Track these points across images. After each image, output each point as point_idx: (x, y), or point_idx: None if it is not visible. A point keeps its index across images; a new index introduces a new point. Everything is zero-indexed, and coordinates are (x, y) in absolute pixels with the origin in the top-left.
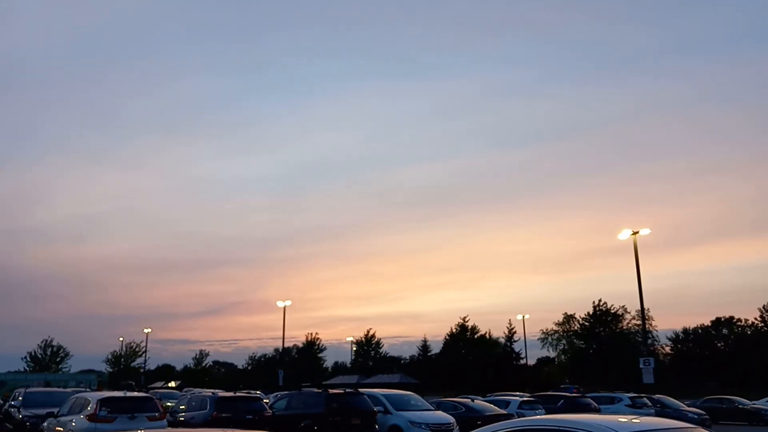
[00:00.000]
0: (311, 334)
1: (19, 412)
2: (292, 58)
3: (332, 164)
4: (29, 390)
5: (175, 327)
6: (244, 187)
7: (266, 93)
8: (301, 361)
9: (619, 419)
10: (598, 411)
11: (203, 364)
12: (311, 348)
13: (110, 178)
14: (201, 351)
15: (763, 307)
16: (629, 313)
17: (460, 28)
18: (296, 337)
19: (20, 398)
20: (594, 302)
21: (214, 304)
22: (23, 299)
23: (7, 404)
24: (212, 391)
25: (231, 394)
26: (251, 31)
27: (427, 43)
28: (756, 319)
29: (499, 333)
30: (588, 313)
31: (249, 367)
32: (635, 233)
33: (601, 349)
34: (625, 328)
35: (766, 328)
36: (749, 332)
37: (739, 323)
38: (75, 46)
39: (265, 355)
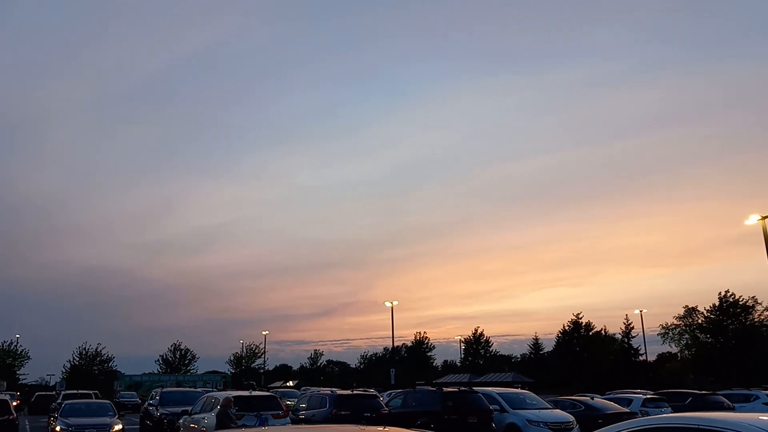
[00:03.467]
0: (419, 333)
1: (157, 410)
2: (388, 64)
3: (432, 164)
4: (165, 390)
5: (291, 328)
6: (348, 192)
7: (364, 100)
8: (410, 360)
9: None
10: (732, 409)
11: (318, 364)
12: (420, 347)
13: (229, 191)
14: (315, 351)
15: None
16: (760, 304)
17: (555, 20)
18: (405, 336)
19: (157, 397)
20: (720, 293)
21: (325, 305)
22: (155, 307)
23: (146, 403)
24: (330, 389)
25: (349, 392)
26: (347, 42)
27: (522, 37)
28: None
29: (614, 329)
30: (713, 305)
31: (361, 366)
32: (764, 218)
33: (729, 344)
34: (756, 320)
35: None
36: None
37: None
38: (188, 69)
39: (376, 354)
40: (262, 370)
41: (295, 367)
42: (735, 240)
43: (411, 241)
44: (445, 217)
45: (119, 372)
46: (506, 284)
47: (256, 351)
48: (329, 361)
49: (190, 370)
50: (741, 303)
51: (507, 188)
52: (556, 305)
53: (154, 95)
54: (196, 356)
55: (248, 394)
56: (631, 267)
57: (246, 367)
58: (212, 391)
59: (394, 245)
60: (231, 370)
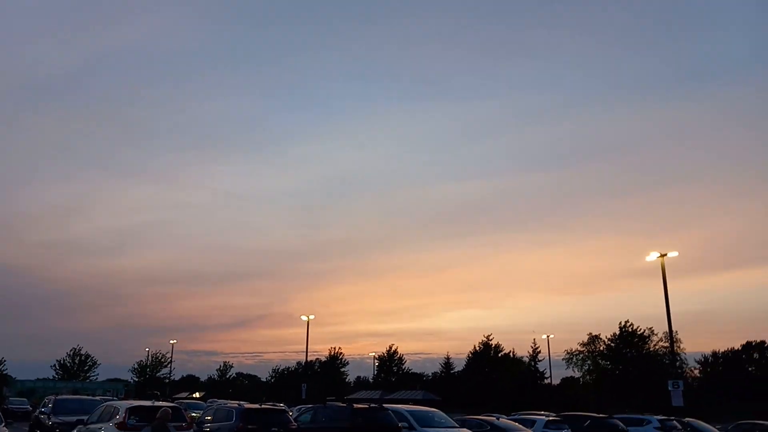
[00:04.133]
0: (334, 348)
1: (49, 418)
2: (320, 79)
3: (359, 181)
4: (59, 397)
5: (202, 338)
6: (271, 202)
7: (296, 111)
8: (323, 375)
9: None
10: None
11: (227, 376)
12: (334, 362)
13: (144, 192)
14: (225, 363)
15: None
16: (656, 335)
17: (487, 51)
18: (319, 351)
19: (50, 405)
20: (620, 323)
21: (239, 316)
22: (57, 310)
23: (37, 411)
24: (238, 402)
25: (256, 406)
26: (280, 53)
27: (455, 65)
28: None
29: (523, 352)
30: (614, 333)
31: (272, 380)
32: (663, 255)
33: (627, 371)
34: (651, 350)
35: None
36: None
37: None
38: (111, 64)
39: (288, 368)
40: (167, 380)
41: (204, 378)
42: (637, 273)
43: (332, 255)
44: (367, 234)
45: (10, 377)
46: (422, 303)
47: (163, 360)
48: (239, 374)
49: (89, 377)
50: (639, 333)
51: (429, 209)
52: (468, 326)
53: (63, 89)
54: (98, 363)
55: (150, 404)
56: (540, 292)
57: (150, 377)
58: (113, 400)
59: (315, 259)
60: (134, 378)
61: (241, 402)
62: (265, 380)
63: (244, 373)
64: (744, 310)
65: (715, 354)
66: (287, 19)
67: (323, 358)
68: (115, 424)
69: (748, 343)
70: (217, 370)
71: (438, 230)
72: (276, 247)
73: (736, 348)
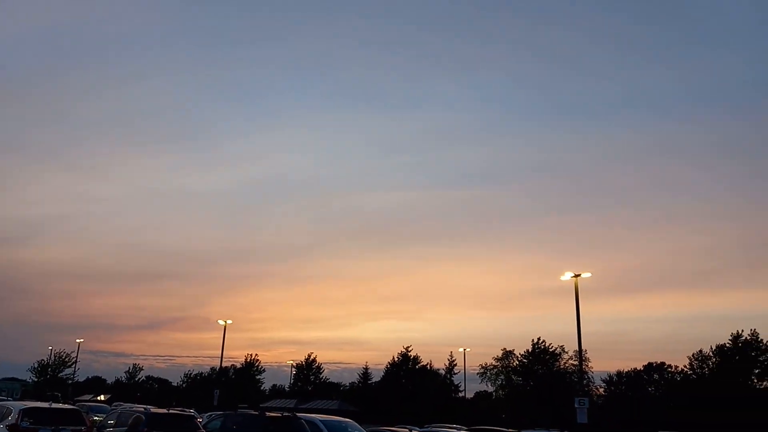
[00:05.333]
0: (251, 355)
1: None
2: (259, 77)
3: (287, 185)
4: None
5: (111, 339)
6: (195, 201)
7: (228, 108)
8: (238, 382)
9: None
10: None
11: (136, 379)
12: (250, 369)
13: (55, 181)
14: (135, 365)
15: (693, 355)
16: (567, 353)
17: (423, 64)
18: (236, 357)
19: None
20: (533, 340)
21: (153, 317)
22: None
23: None
24: (144, 406)
25: (164, 411)
26: (216, 45)
27: (394, 75)
28: (685, 366)
29: (440, 365)
30: (527, 350)
31: (183, 385)
32: (577, 276)
33: (538, 387)
34: (562, 367)
35: (694, 376)
36: (678, 379)
37: (669, 369)
38: (32, 43)
39: (202, 373)
40: (71, 381)
41: (111, 380)
42: (552, 292)
43: (255, 260)
44: (293, 240)
45: None
46: (344, 312)
47: (66, 360)
48: (149, 377)
49: None
50: (551, 350)
51: (356, 219)
52: (388, 337)
53: None
54: None
55: (47, 406)
56: (460, 307)
57: (52, 377)
58: (7, 400)
59: (237, 262)
60: (33, 378)
61: (148, 406)
62: (176, 385)
63: (155, 376)
64: (651, 332)
65: (619, 373)
66: (226, 10)
67: (239, 365)
68: (7, 426)
69: (650, 364)
70: (125, 372)
71: (364, 240)
72: (196, 248)
73: (638, 368)
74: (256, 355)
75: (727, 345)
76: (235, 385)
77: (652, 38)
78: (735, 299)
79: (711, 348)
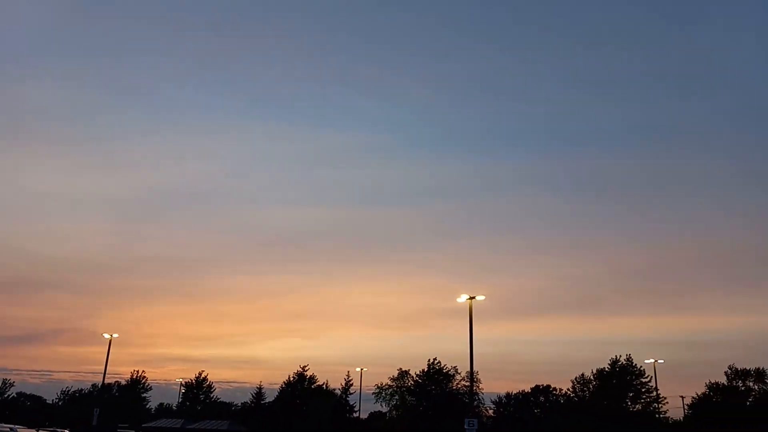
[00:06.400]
0: (137, 371)
1: None
2: (164, 83)
3: (188, 195)
4: None
5: None
6: (85, 207)
7: (128, 113)
8: (122, 400)
9: None
10: None
11: (6, 396)
12: (136, 386)
13: None
14: (5, 380)
15: (575, 378)
16: (459, 374)
17: (340, 83)
18: (122, 373)
19: None
20: (429, 360)
21: (29, 329)
22: None
23: None
24: (11, 426)
25: (34, 431)
26: (121, 49)
27: (309, 91)
28: (569, 389)
29: (337, 385)
30: (422, 370)
31: (60, 403)
32: (471, 298)
33: (432, 407)
34: (455, 388)
35: (576, 398)
36: (562, 401)
37: (554, 392)
38: None
39: (82, 390)
40: None
41: None
42: (450, 313)
43: (149, 272)
44: (192, 253)
45: None
46: (242, 330)
47: None
48: (21, 394)
49: None
50: (445, 371)
51: (259, 233)
52: (288, 355)
53: None
54: None
55: None
56: (362, 325)
57: None
58: None
59: (129, 273)
60: None
61: (16, 426)
62: (51, 402)
63: (28, 393)
64: (539, 355)
65: (508, 395)
66: (132, 15)
67: (124, 382)
68: None
69: (537, 387)
70: None
71: (266, 255)
72: (84, 256)
73: (526, 390)
74: (144, 372)
75: (606, 369)
76: (118, 403)
77: (537, 72)
78: (614, 325)
79: (592, 372)
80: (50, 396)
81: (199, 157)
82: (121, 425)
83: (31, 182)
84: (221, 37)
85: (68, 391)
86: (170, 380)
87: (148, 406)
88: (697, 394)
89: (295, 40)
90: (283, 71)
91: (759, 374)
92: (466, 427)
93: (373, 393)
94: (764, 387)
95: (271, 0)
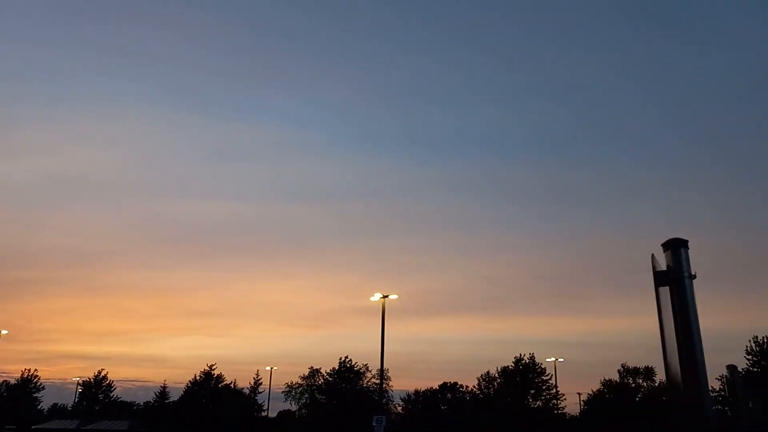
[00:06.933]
0: (28, 370)
1: None
2: (67, 61)
3: (91, 184)
4: None
5: None
6: None
7: (27, 91)
8: (10, 401)
9: None
10: None
11: None
12: (26, 386)
13: None
14: None
15: (481, 376)
16: (371, 371)
17: (261, 78)
18: (11, 372)
19: None
20: (340, 359)
21: None
22: None
23: None
24: None
25: None
26: (24, 35)
27: (218, 82)
28: (474, 387)
29: (246, 384)
30: (333, 368)
31: None
32: (385, 297)
33: (342, 405)
34: (365, 385)
35: (481, 395)
36: (468, 398)
37: (461, 389)
38: None
39: None
40: None
41: None
42: (364, 312)
43: (44, 263)
44: (91, 245)
45: None
46: (146, 327)
47: None
48: None
49: None
50: (356, 369)
51: (167, 227)
52: (195, 354)
53: None
54: None
55: None
56: (272, 324)
57: None
58: None
59: (21, 264)
60: None
61: None
62: None
63: None
64: (447, 353)
65: (417, 392)
66: (37, 1)
67: (14, 381)
68: None
69: (444, 384)
70: None
71: (174, 250)
72: None
73: (434, 388)
74: (36, 370)
75: (510, 367)
76: (5, 404)
77: (456, 80)
78: (519, 325)
79: (497, 369)
80: None
81: (104, 144)
82: (8, 427)
83: None
84: (133, 24)
85: None
86: (66, 379)
87: (40, 407)
88: (592, 391)
89: (213, 31)
90: (197, 61)
91: (648, 372)
92: (374, 424)
93: (283, 392)
94: (652, 384)
95: None
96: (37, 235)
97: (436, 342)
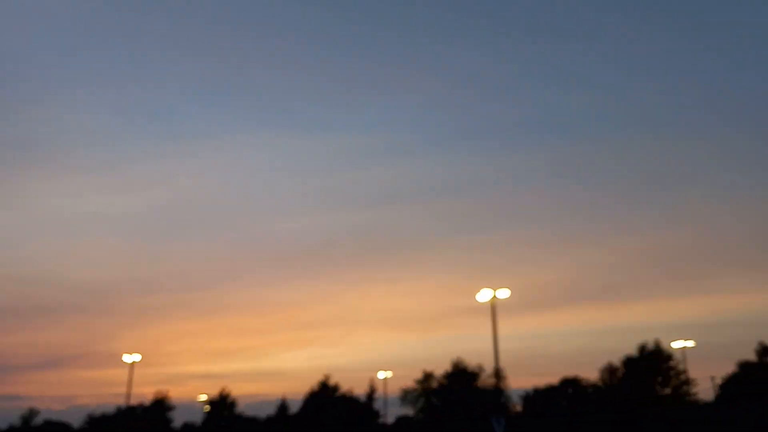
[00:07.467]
0: (160, 391)
1: None
2: (168, 97)
3: (200, 210)
4: None
5: (3, 380)
6: (100, 227)
7: (135, 130)
8: (146, 422)
9: None
10: None
11: (32, 424)
12: (160, 407)
13: None
14: (31, 409)
15: (604, 368)
16: (485, 371)
17: (335, 87)
18: (145, 394)
19: None
20: (453, 360)
21: (51, 355)
22: None
23: None
24: None
25: None
26: (129, 61)
27: (310, 97)
28: (597, 380)
29: (361, 391)
30: (447, 371)
31: (87, 427)
32: (494, 294)
33: (458, 408)
34: (480, 386)
35: (604, 388)
36: (591, 391)
37: (582, 383)
38: None
39: (106, 414)
40: None
41: (4, 427)
42: (472, 310)
43: (166, 289)
44: (210, 269)
45: None
46: (262, 342)
47: None
48: (47, 422)
49: None
50: (470, 370)
51: (274, 245)
52: (310, 365)
53: None
54: None
55: None
56: (382, 330)
57: None
58: None
59: (147, 292)
60: None
61: None
62: (78, 428)
63: (53, 420)
64: (562, 346)
65: (536, 390)
66: (128, 32)
67: (148, 403)
68: None
69: (565, 379)
70: (20, 417)
71: (280, 266)
72: (102, 277)
73: (554, 384)
74: (167, 391)
75: (635, 355)
76: (143, 425)
77: (558, 61)
78: (639, 311)
79: (621, 360)
80: (76, 421)
81: (207, 172)
82: None
83: (42, 204)
84: (223, 49)
85: (93, 415)
86: (193, 398)
87: (172, 426)
88: (727, 374)
89: (296, 50)
90: (286, 81)
91: None
92: (494, 425)
93: (399, 397)
94: None
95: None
96: (158, 263)
97: (553, 335)
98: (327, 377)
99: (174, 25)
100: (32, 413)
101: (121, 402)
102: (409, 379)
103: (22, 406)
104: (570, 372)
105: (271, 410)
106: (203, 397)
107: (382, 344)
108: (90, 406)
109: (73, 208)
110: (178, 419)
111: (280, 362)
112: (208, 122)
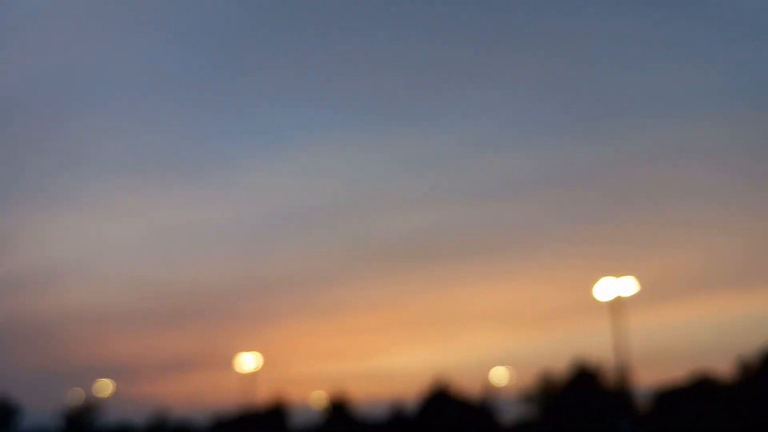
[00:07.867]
0: (279, 393)
1: None
2: (267, 104)
3: (304, 213)
4: None
5: (134, 383)
6: (210, 235)
7: (239, 138)
8: (267, 423)
9: None
10: None
11: (163, 424)
12: (278, 408)
13: (74, 223)
14: (161, 409)
15: (738, 362)
16: (609, 370)
17: (437, 77)
18: (266, 395)
19: None
20: (574, 359)
21: (176, 359)
22: None
23: None
24: None
25: None
26: (222, 75)
27: (405, 92)
28: (732, 375)
29: (476, 390)
30: (567, 369)
31: (213, 428)
32: (617, 286)
33: (580, 409)
34: (605, 385)
35: (740, 384)
36: (725, 388)
37: (716, 379)
38: (46, 85)
39: (229, 415)
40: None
41: (140, 427)
42: (592, 305)
43: (283, 291)
44: (321, 269)
45: None
46: (371, 341)
47: (93, 406)
48: (179, 421)
49: (11, 428)
50: (592, 368)
51: (379, 243)
52: (423, 364)
53: None
54: (18, 410)
55: None
56: (494, 327)
57: (82, 425)
58: None
59: (264, 295)
60: (63, 427)
61: None
62: (203, 428)
63: (181, 420)
64: (697, 340)
65: (665, 388)
66: (230, 40)
67: (267, 404)
68: None
69: (696, 376)
70: (152, 417)
71: (387, 264)
72: (216, 283)
73: (684, 381)
74: (285, 392)
75: None
76: (264, 426)
77: (674, 36)
78: None
79: (759, 353)
80: (202, 422)
81: (311, 175)
82: None
83: (156, 215)
84: (320, 50)
85: (218, 416)
86: (309, 398)
87: (292, 428)
88: None
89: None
90: (380, 79)
91: None
92: (622, 426)
93: (518, 398)
94: None
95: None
96: (271, 266)
97: (683, 327)
98: (443, 376)
99: (269, 26)
100: (163, 414)
101: (241, 403)
102: (526, 378)
103: (150, 406)
104: (701, 367)
105: (382, 411)
106: (318, 398)
107: (494, 342)
108: (212, 406)
109: (187, 217)
110: (295, 420)
111: (390, 362)
112: (307, 126)
